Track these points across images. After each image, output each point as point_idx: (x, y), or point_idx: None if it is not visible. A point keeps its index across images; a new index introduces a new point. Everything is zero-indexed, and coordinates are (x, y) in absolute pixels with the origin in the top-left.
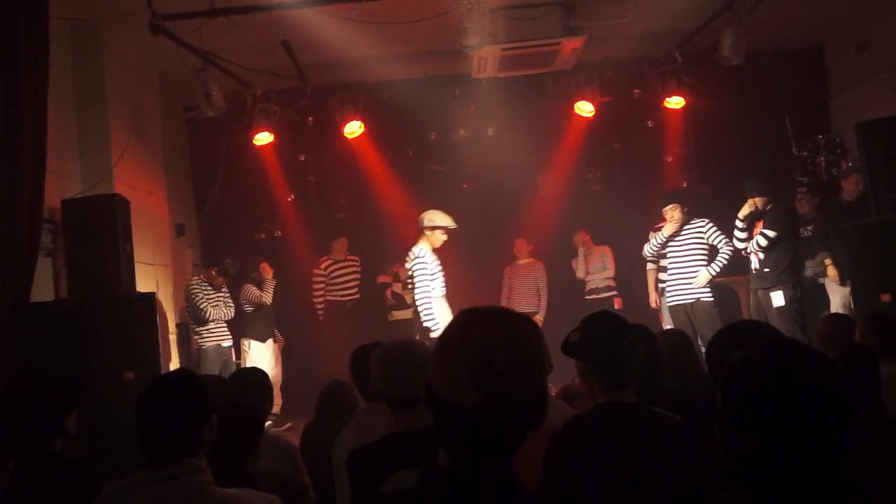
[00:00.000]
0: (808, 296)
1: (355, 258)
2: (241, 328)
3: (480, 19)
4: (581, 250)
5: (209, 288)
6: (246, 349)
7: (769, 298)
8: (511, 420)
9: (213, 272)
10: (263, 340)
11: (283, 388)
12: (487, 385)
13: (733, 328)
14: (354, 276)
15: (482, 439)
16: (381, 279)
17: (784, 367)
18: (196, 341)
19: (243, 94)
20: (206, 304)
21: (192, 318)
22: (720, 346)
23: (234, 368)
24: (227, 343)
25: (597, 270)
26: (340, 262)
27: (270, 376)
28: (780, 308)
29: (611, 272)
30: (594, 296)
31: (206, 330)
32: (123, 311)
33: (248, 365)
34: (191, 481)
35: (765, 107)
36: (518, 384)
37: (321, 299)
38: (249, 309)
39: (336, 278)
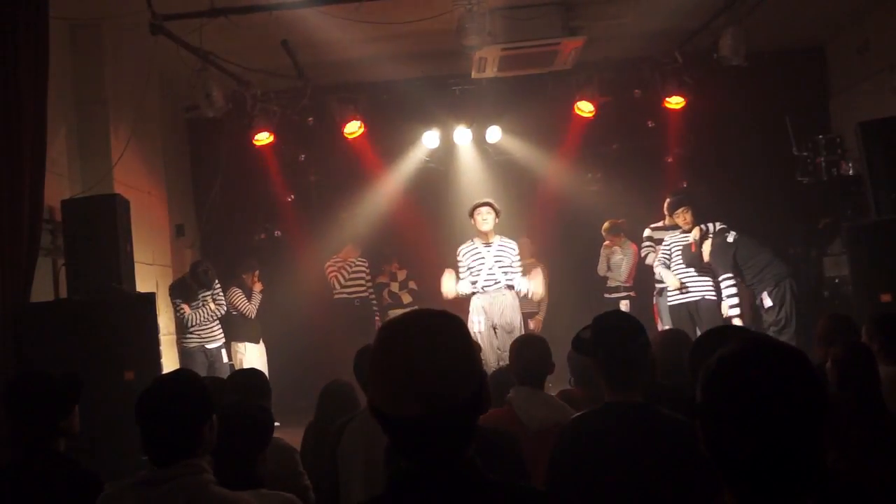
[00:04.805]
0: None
1: (364, 259)
2: (230, 332)
3: (480, 19)
4: (604, 251)
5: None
6: (242, 352)
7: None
8: (457, 416)
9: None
10: (257, 342)
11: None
12: (423, 393)
13: (716, 331)
14: (363, 274)
15: (434, 442)
16: (380, 279)
17: (757, 360)
18: (180, 342)
19: (243, 94)
20: (183, 309)
21: (176, 322)
22: (701, 348)
23: (227, 371)
24: (214, 345)
25: (616, 269)
26: (351, 261)
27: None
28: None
29: (621, 276)
30: (607, 294)
31: (189, 331)
32: (123, 311)
33: (245, 367)
34: (192, 481)
35: (765, 107)
36: (453, 382)
37: (337, 282)
38: (235, 312)
39: (349, 274)
